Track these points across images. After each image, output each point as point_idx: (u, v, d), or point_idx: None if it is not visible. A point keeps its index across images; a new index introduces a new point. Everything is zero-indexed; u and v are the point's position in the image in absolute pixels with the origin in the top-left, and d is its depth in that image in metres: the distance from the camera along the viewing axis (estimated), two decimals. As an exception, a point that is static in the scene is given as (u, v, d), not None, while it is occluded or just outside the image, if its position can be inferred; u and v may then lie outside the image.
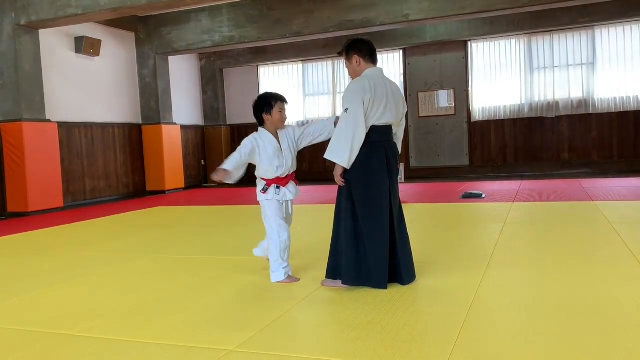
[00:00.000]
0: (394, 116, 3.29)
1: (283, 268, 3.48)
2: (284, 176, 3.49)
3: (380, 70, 3.37)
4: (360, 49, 3.31)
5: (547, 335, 2.40)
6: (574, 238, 4.55)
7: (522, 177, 10.48)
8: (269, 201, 3.47)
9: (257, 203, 3.56)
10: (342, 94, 12.69)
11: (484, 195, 7.61)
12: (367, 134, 3.16)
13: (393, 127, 3.34)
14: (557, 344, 2.31)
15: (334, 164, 3.22)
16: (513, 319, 2.67)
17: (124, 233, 6.16)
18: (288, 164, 3.49)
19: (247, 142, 3.45)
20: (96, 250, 5.14)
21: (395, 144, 3.37)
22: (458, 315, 2.71)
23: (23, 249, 5.44)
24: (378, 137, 3.22)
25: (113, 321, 2.94)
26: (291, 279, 3.49)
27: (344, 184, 3.23)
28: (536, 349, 2.27)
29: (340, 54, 3.42)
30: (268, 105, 3.46)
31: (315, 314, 2.95)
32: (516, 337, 2.41)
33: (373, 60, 3.35)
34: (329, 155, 3.21)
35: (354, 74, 3.36)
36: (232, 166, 3.38)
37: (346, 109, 3.16)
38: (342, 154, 3.15)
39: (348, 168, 3.19)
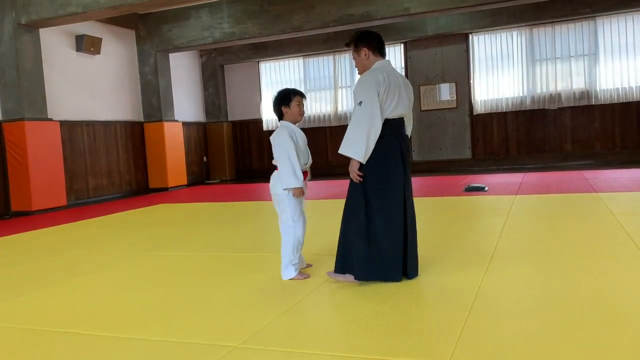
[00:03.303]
0: (406, 108, 3.25)
1: (293, 265, 3.45)
2: (303, 170, 3.46)
3: (389, 62, 3.32)
4: (370, 42, 3.26)
5: (551, 329, 2.40)
6: (577, 230, 4.55)
7: (525, 170, 10.47)
8: (290, 195, 3.42)
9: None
10: (343, 89, 12.56)
11: (486, 189, 7.60)
12: (382, 127, 3.10)
13: (405, 120, 3.30)
14: (562, 337, 2.31)
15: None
16: (516, 312, 2.67)
17: (128, 231, 6.18)
18: (309, 158, 3.54)
19: (287, 142, 3.35)
20: (100, 248, 5.15)
21: (407, 137, 3.33)
22: (462, 309, 2.71)
23: (27, 248, 5.46)
24: (392, 130, 3.17)
25: (118, 319, 2.95)
26: (302, 275, 3.47)
27: (360, 180, 3.15)
28: (540, 342, 2.27)
29: (348, 45, 3.37)
30: (287, 98, 3.50)
31: (319, 309, 2.96)
32: (520, 331, 2.41)
33: (382, 53, 3.30)
34: (343, 150, 3.14)
35: (361, 67, 3.30)
36: (298, 175, 3.34)
37: (360, 102, 3.09)
38: (358, 148, 3.08)
39: (364, 163, 3.13)
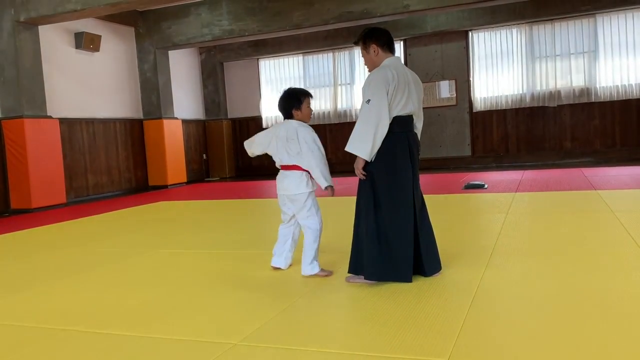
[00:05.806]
0: (415, 106, 3.22)
1: (317, 261, 3.43)
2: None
3: (399, 59, 3.29)
4: (378, 38, 3.23)
5: (551, 325, 2.41)
6: (576, 227, 4.55)
7: (524, 167, 10.47)
8: (312, 192, 3.44)
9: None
10: (342, 86, 12.52)
11: (486, 186, 7.61)
12: (391, 125, 3.07)
13: (414, 117, 3.27)
14: (561, 334, 2.31)
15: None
16: (516, 309, 2.68)
17: (128, 228, 6.18)
18: None
19: (319, 143, 3.39)
20: (100, 246, 5.15)
21: (416, 134, 3.31)
22: (462, 305, 2.72)
23: (27, 246, 5.46)
24: (401, 127, 3.14)
25: (117, 316, 2.95)
26: (325, 271, 3.43)
27: (365, 177, 3.14)
28: (540, 338, 2.27)
29: (356, 44, 3.33)
30: (297, 100, 3.43)
31: (319, 306, 2.96)
32: (519, 327, 2.42)
33: (391, 49, 3.27)
34: (350, 147, 3.11)
35: (371, 65, 3.27)
36: (327, 171, 3.38)
37: (368, 100, 3.06)
38: (364, 146, 3.05)
39: (369, 161, 3.10)
